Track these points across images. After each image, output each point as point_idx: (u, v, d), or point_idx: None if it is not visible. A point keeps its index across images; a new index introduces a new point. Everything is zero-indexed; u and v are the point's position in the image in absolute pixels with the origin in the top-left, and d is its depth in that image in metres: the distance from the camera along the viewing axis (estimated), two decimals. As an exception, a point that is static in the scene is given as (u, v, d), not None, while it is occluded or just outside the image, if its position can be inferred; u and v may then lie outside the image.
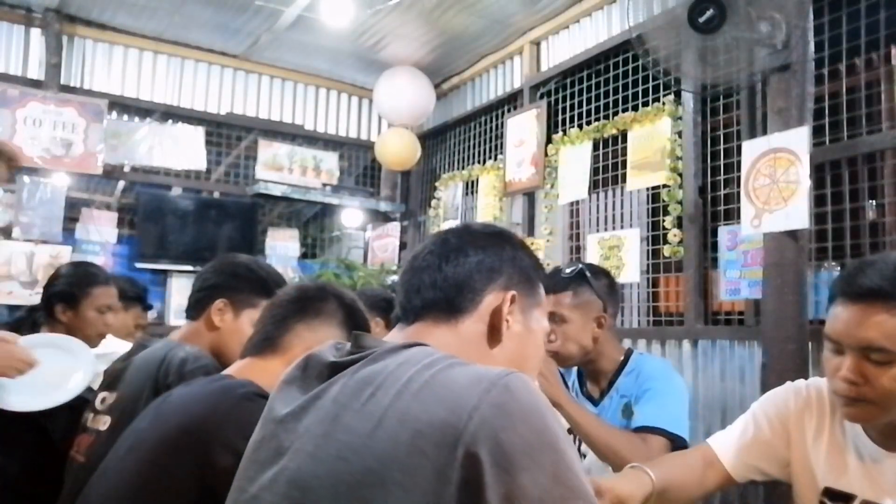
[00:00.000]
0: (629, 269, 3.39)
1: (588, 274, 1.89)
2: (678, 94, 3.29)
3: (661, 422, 1.72)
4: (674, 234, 3.22)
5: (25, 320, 2.14)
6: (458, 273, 0.94)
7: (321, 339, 1.30)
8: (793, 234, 2.54)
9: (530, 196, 4.22)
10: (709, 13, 2.46)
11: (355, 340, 0.91)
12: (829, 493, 1.21)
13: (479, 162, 4.79)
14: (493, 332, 0.95)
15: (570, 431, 1.90)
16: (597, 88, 3.81)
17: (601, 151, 3.72)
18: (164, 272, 4.58)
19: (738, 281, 2.92)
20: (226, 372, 1.33)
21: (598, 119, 3.75)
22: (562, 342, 1.86)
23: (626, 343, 3.36)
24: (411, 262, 1.00)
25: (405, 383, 0.77)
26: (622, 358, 1.93)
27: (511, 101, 4.55)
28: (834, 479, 1.21)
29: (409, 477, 0.71)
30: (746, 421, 1.39)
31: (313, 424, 0.81)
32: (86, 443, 1.44)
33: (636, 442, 1.68)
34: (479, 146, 4.83)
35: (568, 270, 1.92)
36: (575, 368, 2.04)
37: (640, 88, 3.53)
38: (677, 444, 1.70)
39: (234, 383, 1.24)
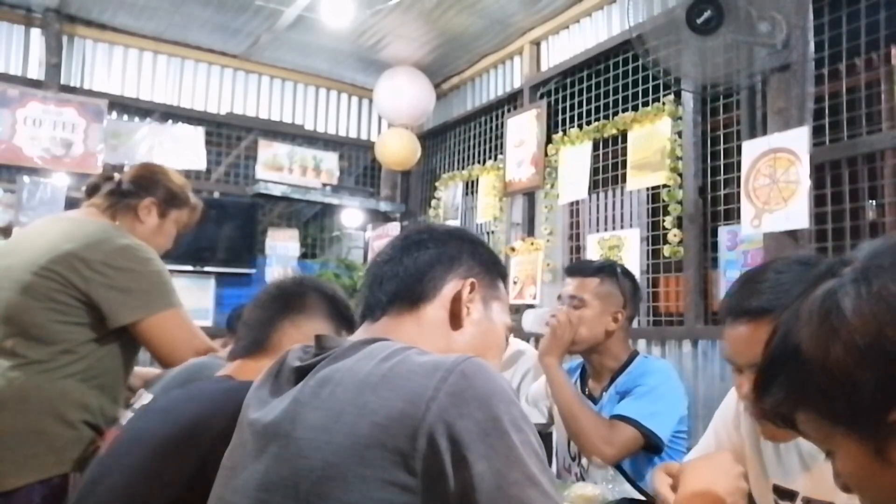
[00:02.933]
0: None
1: (618, 270, 1.97)
2: (678, 94, 3.29)
3: (635, 414, 1.77)
4: (674, 234, 3.22)
5: None
6: (418, 263, 0.97)
7: (308, 333, 1.31)
8: (793, 234, 2.54)
9: (530, 196, 4.22)
10: (706, 14, 2.46)
11: (318, 342, 0.92)
12: (777, 490, 1.23)
13: (479, 162, 4.79)
14: (454, 318, 0.97)
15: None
16: (597, 88, 3.81)
17: (601, 151, 3.72)
18: (164, 272, 4.58)
19: (738, 281, 2.92)
20: (222, 373, 1.32)
21: (598, 119, 3.75)
22: (576, 324, 1.90)
23: (626, 343, 3.37)
24: (374, 259, 1.03)
25: (363, 378, 0.78)
26: (626, 358, 1.94)
27: (511, 101, 4.55)
28: (781, 476, 1.22)
29: (369, 469, 0.72)
30: (709, 437, 1.42)
31: (277, 426, 0.82)
32: (110, 436, 1.44)
33: (601, 424, 1.75)
34: (479, 146, 4.83)
35: (601, 262, 2.01)
36: (579, 367, 2.06)
37: (640, 88, 3.53)
38: (651, 440, 1.75)
39: (238, 385, 1.23)
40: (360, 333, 0.97)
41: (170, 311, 1.71)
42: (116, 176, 1.89)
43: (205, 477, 1.09)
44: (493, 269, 1.04)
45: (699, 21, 2.48)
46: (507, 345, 2.53)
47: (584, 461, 1.92)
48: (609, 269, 1.96)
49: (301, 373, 0.87)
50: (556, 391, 1.84)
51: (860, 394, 0.60)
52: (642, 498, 1.73)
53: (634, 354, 1.96)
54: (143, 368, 2.04)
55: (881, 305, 0.59)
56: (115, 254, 1.67)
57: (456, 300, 0.97)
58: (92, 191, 1.89)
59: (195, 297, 4.37)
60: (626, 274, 1.99)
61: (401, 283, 0.96)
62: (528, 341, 2.87)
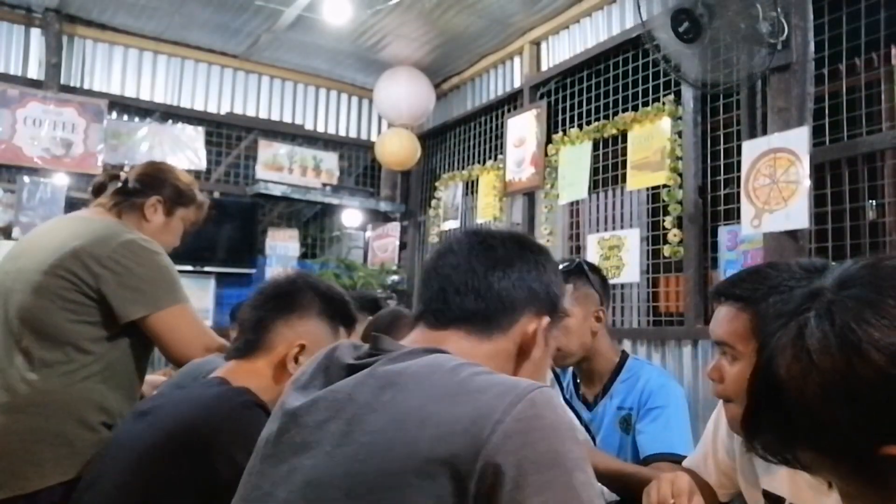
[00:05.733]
0: (629, 269, 3.38)
1: (585, 267, 1.91)
2: (678, 94, 3.29)
3: (671, 446, 1.72)
4: (674, 234, 3.22)
5: None
6: (503, 288, 0.91)
7: (302, 332, 1.33)
8: (793, 234, 2.54)
9: (530, 196, 4.22)
10: (685, 25, 2.50)
11: (374, 342, 0.89)
12: (766, 495, 1.24)
13: (479, 162, 4.79)
14: (522, 355, 0.93)
15: None
16: (597, 88, 3.81)
17: (601, 151, 3.72)
18: (164, 272, 4.58)
19: (738, 281, 2.91)
20: (217, 374, 1.32)
21: (598, 119, 3.75)
22: (563, 337, 1.82)
23: (626, 343, 3.36)
24: (444, 257, 0.95)
25: (429, 387, 0.76)
26: (617, 360, 1.92)
27: (511, 101, 4.55)
28: (768, 482, 1.22)
29: (426, 482, 0.70)
30: (705, 443, 1.43)
31: (330, 422, 0.80)
32: None
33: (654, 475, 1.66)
34: (479, 146, 4.83)
35: (564, 265, 1.90)
36: (570, 369, 2.03)
37: (640, 88, 3.53)
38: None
39: (231, 391, 1.23)
40: (417, 336, 0.92)
41: (178, 307, 1.70)
42: (122, 174, 1.88)
43: (200, 486, 1.09)
44: (561, 299, 0.99)
45: (680, 30, 2.52)
46: None
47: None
48: (578, 271, 1.89)
49: (353, 370, 0.85)
50: (603, 470, 1.64)
51: (842, 432, 0.60)
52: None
53: (625, 357, 1.93)
54: (153, 376, 2.04)
55: (844, 345, 0.59)
56: (121, 248, 1.66)
57: (530, 337, 0.93)
58: (98, 190, 1.88)
59: (195, 297, 4.34)
60: (593, 269, 1.94)
61: (481, 304, 0.90)
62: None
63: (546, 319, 0.94)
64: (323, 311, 1.37)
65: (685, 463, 1.51)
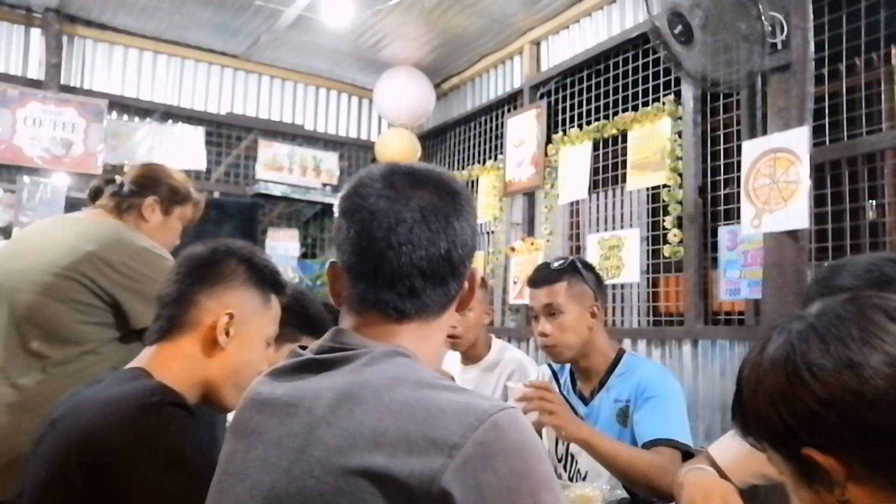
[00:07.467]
0: (629, 269, 3.38)
1: (579, 265, 1.94)
2: (678, 94, 3.29)
3: (669, 433, 1.73)
4: (674, 234, 3.22)
5: None
6: (452, 257, 0.84)
7: (228, 302, 1.21)
8: (793, 234, 2.54)
9: (530, 196, 4.22)
10: (679, 28, 2.52)
11: (336, 335, 0.84)
12: None
13: (479, 162, 4.79)
14: (460, 309, 0.91)
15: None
16: (597, 88, 3.81)
17: (601, 151, 3.72)
18: (164, 272, 4.57)
19: (738, 281, 2.92)
20: (135, 363, 1.20)
21: (598, 119, 3.75)
22: (559, 334, 1.87)
23: (627, 343, 3.36)
24: (393, 228, 0.82)
25: (388, 402, 0.72)
26: (614, 356, 1.93)
27: (511, 101, 4.55)
28: None
29: (381, 501, 0.67)
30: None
31: (288, 436, 0.77)
32: None
33: (657, 461, 1.67)
34: (479, 146, 4.83)
35: (558, 263, 1.95)
36: (567, 365, 2.04)
37: (640, 88, 3.53)
38: (687, 455, 1.72)
39: (138, 390, 1.10)
40: (372, 329, 0.84)
41: None
42: (118, 178, 1.92)
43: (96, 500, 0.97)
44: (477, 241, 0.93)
45: (675, 32, 2.54)
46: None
47: (576, 464, 1.91)
48: (572, 268, 1.92)
49: (312, 365, 0.81)
50: (607, 459, 1.67)
51: (779, 432, 0.73)
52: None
53: (621, 353, 1.94)
54: None
55: (787, 362, 0.73)
56: (136, 256, 1.71)
57: (468, 294, 0.90)
58: (95, 194, 1.93)
59: (195, 297, 4.37)
60: (587, 266, 1.97)
61: (438, 286, 0.84)
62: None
63: (476, 268, 0.91)
64: (249, 278, 1.25)
65: (710, 448, 1.50)
